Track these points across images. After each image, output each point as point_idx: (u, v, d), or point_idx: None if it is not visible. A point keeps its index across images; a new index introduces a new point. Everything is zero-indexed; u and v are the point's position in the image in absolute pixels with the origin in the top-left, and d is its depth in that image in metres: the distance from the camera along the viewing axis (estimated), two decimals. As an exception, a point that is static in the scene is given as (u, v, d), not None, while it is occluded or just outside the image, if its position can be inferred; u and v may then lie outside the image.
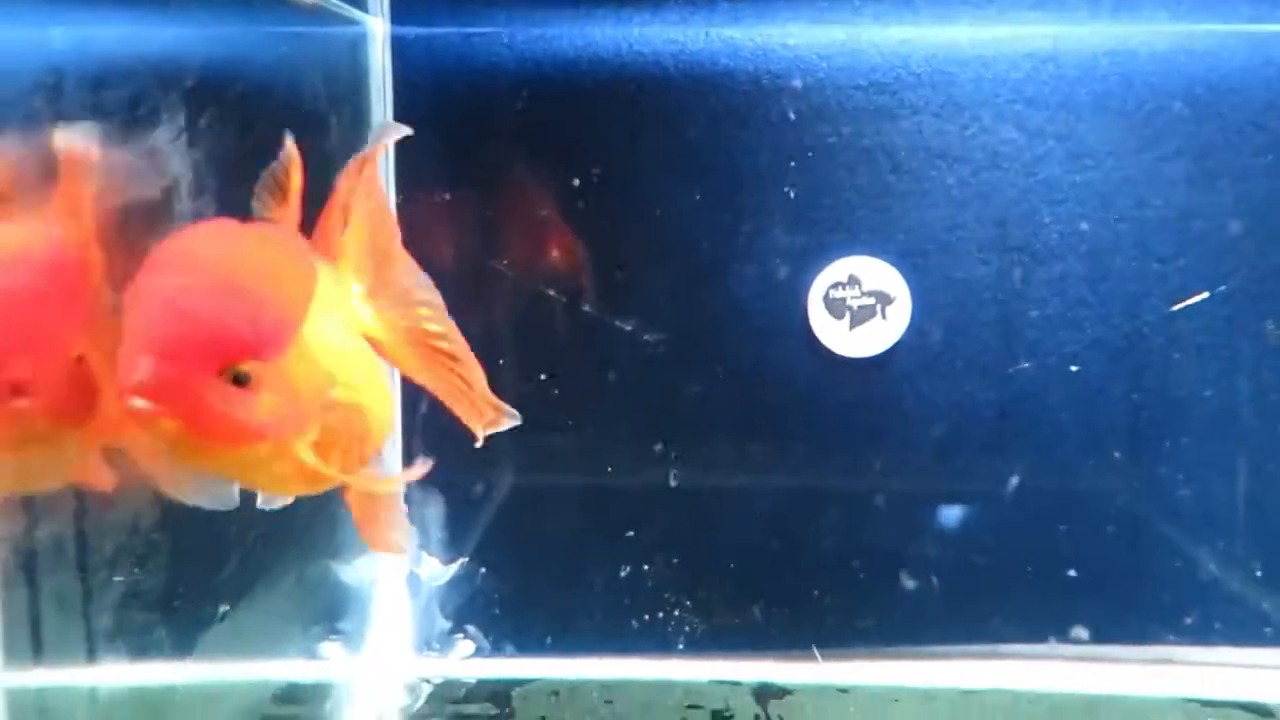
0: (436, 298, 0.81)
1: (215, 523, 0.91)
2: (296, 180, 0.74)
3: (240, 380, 0.63)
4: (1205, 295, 1.27)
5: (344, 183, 0.77)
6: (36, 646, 0.69)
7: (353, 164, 0.77)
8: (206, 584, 0.92)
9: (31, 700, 0.70)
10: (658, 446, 1.31)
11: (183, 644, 0.88)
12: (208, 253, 0.65)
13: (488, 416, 0.81)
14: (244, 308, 0.63)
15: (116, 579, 0.77)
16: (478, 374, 0.82)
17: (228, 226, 0.68)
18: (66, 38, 0.74)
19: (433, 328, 0.80)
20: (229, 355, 0.63)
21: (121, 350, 0.62)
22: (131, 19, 0.84)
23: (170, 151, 0.74)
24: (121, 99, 0.77)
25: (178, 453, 0.65)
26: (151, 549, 0.80)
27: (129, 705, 0.84)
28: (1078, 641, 1.29)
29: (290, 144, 0.73)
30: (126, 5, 0.84)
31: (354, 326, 0.77)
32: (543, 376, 1.29)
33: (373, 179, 0.79)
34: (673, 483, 1.30)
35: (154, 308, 0.62)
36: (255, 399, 0.64)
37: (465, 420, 0.81)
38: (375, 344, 0.80)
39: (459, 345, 0.81)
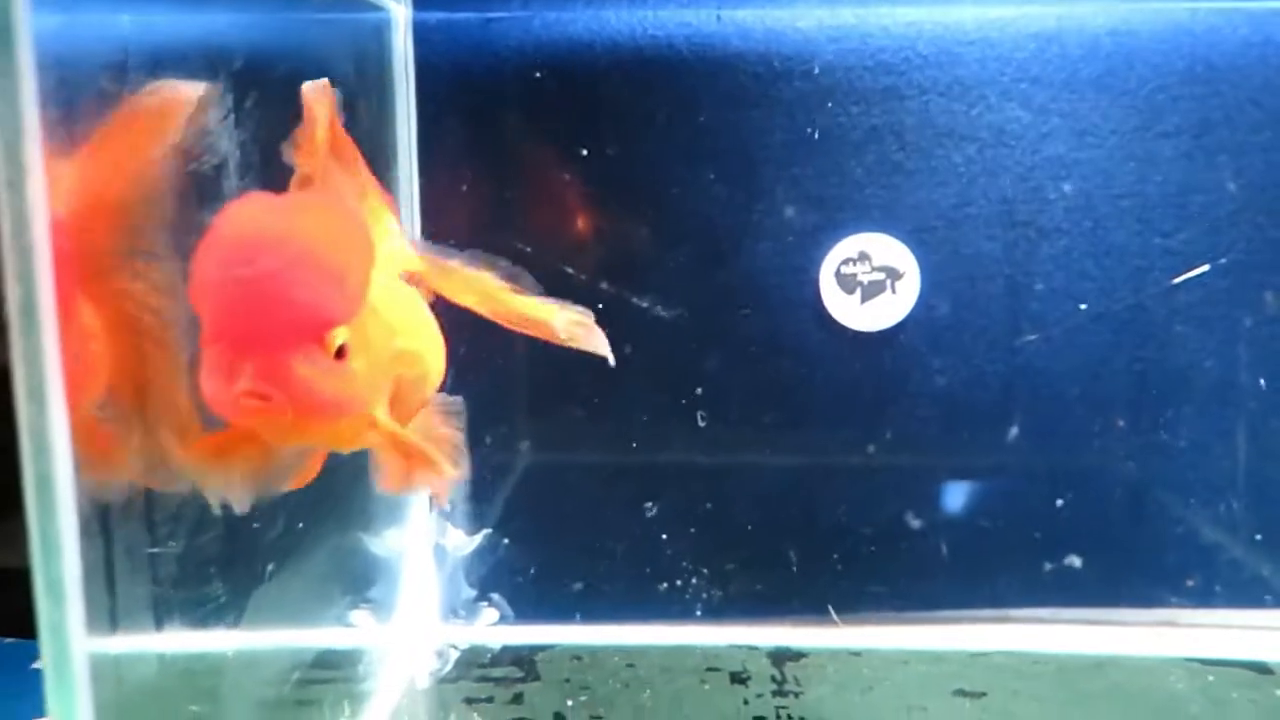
0: None
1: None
2: (321, 132, 0.73)
3: (341, 352, 0.63)
4: (1206, 268, 1.30)
5: (327, 126, 0.76)
6: (113, 614, 0.73)
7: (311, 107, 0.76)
8: (254, 550, 0.96)
9: (110, 667, 0.74)
10: (683, 406, 1.34)
11: (234, 609, 0.92)
12: (267, 231, 0.63)
13: (564, 319, 0.80)
14: (322, 277, 0.62)
15: (178, 545, 0.81)
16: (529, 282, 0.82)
17: (271, 201, 0.67)
18: (133, 24, 0.78)
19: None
20: (324, 327, 0.62)
21: (211, 348, 0.61)
22: (185, 5, 0.88)
23: (221, 132, 0.77)
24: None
25: (282, 437, 0.66)
26: (207, 516, 0.84)
27: (190, 669, 0.88)
28: (1070, 569, 1.33)
29: (307, 94, 0.73)
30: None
31: (397, 268, 0.77)
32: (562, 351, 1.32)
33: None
34: (700, 423, 1.32)
35: (236, 297, 0.61)
36: (352, 367, 0.64)
37: (539, 332, 0.81)
38: (418, 278, 0.80)
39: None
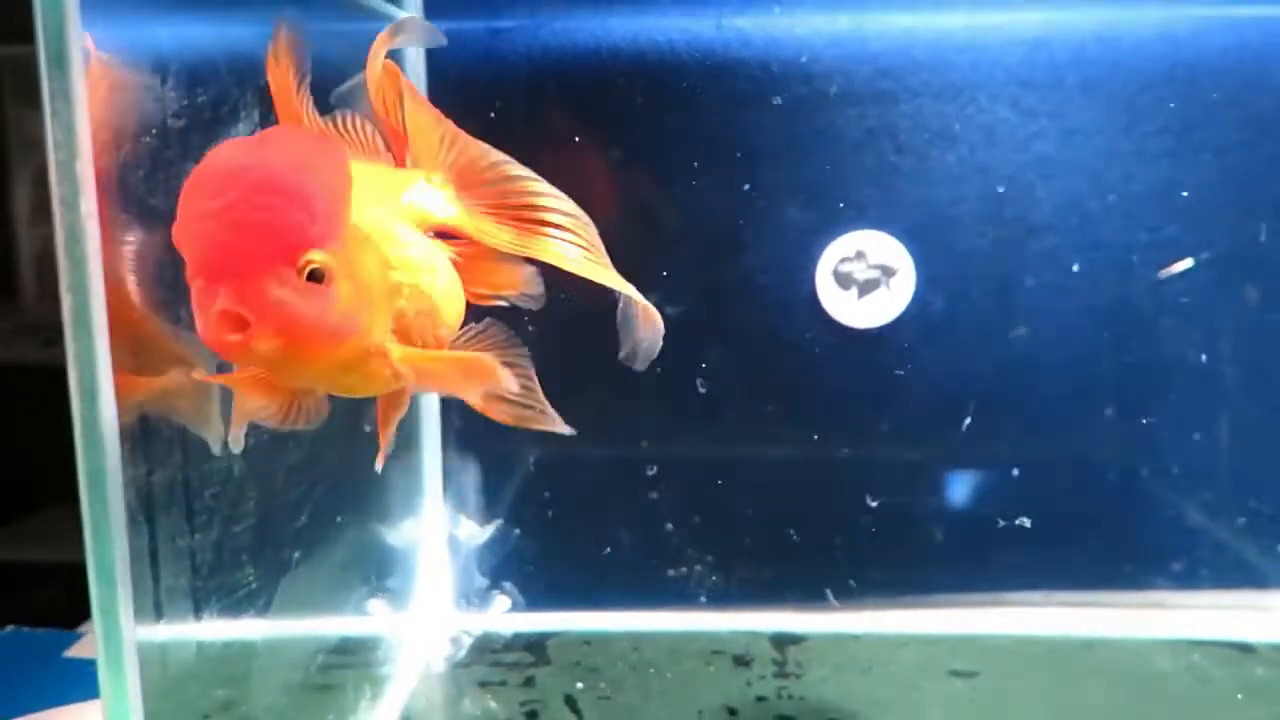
0: (520, 168, 0.77)
1: (288, 486, 1.01)
2: (285, 62, 0.73)
3: (317, 276, 0.63)
4: (1190, 262, 1.35)
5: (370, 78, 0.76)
6: (158, 604, 0.78)
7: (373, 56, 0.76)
8: (284, 533, 1.00)
9: (157, 654, 0.78)
10: (687, 399, 1.38)
11: (263, 596, 0.96)
12: (233, 164, 0.64)
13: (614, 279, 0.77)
14: (292, 201, 0.62)
15: (214, 537, 0.86)
16: (592, 232, 0.78)
17: (241, 140, 0.68)
18: (169, 38, 0.82)
19: (530, 199, 0.76)
20: (297, 250, 0.62)
21: (194, 285, 0.62)
22: (212, 20, 0.92)
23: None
24: (212, 95, 0.85)
25: (278, 371, 0.67)
26: (240, 508, 0.89)
27: (223, 655, 0.92)
28: (1021, 529, 1.37)
29: (278, 29, 0.72)
30: (207, 9, 0.92)
31: (408, 216, 0.75)
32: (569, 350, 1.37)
33: (397, 76, 0.78)
34: (701, 389, 1.36)
35: (207, 230, 0.62)
36: (335, 291, 0.64)
37: (600, 279, 0.77)
38: (457, 230, 0.78)
39: (566, 205, 0.77)
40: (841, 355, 1.38)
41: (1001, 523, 1.38)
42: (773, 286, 1.37)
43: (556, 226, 0.78)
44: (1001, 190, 1.35)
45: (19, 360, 2.02)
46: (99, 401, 0.69)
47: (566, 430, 0.83)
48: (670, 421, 1.40)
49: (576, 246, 0.79)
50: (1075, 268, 1.35)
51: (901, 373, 1.38)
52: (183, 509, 0.82)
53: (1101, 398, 1.38)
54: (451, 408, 1.39)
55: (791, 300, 1.37)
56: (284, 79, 0.75)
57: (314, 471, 1.04)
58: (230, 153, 0.65)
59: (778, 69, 1.34)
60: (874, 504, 1.39)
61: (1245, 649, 1.31)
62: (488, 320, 0.82)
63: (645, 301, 0.83)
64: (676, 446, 1.41)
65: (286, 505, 1.03)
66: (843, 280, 1.35)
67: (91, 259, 0.67)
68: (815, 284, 1.36)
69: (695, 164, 1.35)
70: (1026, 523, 1.37)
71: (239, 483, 0.88)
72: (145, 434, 0.76)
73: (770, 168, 1.35)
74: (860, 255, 1.35)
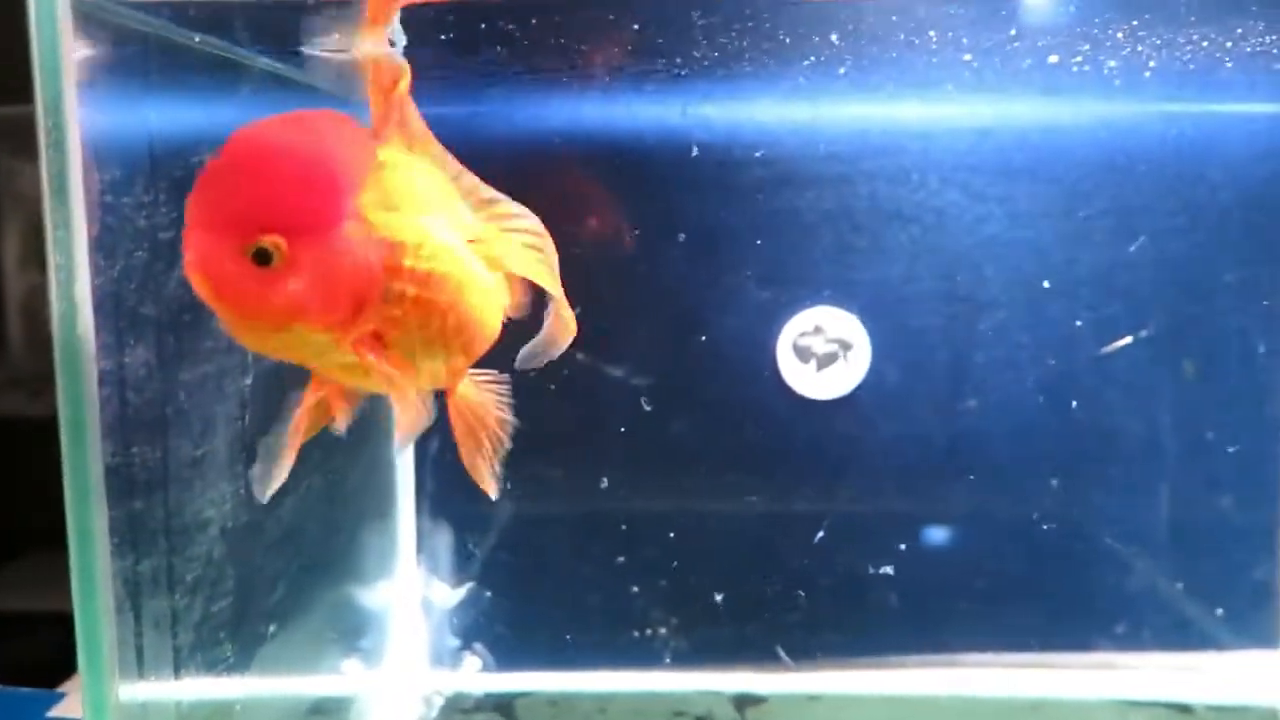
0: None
1: (269, 553, 1.05)
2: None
3: (263, 258, 0.64)
4: (1130, 339, 1.42)
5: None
6: (140, 664, 0.82)
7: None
8: (260, 607, 1.05)
9: (137, 712, 0.82)
10: (654, 467, 1.44)
11: (242, 661, 1.01)
12: (251, 134, 0.66)
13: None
14: (270, 187, 0.64)
15: (198, 603, 0.90)
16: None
17: (280, 116, 0.69)
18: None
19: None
20: (250, 231, 0.64)
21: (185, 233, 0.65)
22: (201, 102, 0.98)
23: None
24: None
25: (232, 332, 0.69)
26: (221, 578, 0.93)
27: (201, 715, 0.96)
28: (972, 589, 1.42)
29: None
30: (194, 91, 0.97)
31: (459, 228, 0.76)
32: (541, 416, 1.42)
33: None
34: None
35: (196, 189, 0.65)
36: (280, 278, 0.65)
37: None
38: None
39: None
40: (801, 424, 1.43)
41: (953, 585, 1.44)
42: (736, 359, 1.43)
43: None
44: (952, 269, 1.41)
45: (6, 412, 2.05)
46: (88, 456, 0.73)
47: (492, 493, 0.86)
48: (637, 487, 1.45)
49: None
50: (1022, 343, 1.42)
51: (858, 441, 1.44)
52: (167, 590, 0.86)
53: (1047, 466, 1.44)
54: (426, 472, 1.44)
55: (754, 372, 1.42)
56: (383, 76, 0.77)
57: (292, 543, 1.09)
58: (258, 125, 0.68)
59: (740, 153, 1.40)
60: (832, 568, 1.44)
61: (1184, 709, 1.37)
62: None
63: (569, 312, 0.86)
64: (643, 511, 1.45)
65: (275, 565, 1.07)
66: (802, 353, 1.41)
67: (85, 341, 0.72)
68: (776, 357, 1.41)
69: (662, 242, 1.41)
70: (890, 570, 1.43)
71: (219, 564, 0.93)
72: (131, 524, 0.80)
73: (733, 246, 1.41)
74: (819, 330, 1.41)
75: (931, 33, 1.14)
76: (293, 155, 0.66)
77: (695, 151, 1.38)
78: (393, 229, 0.70)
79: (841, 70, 1.27)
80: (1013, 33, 1.16)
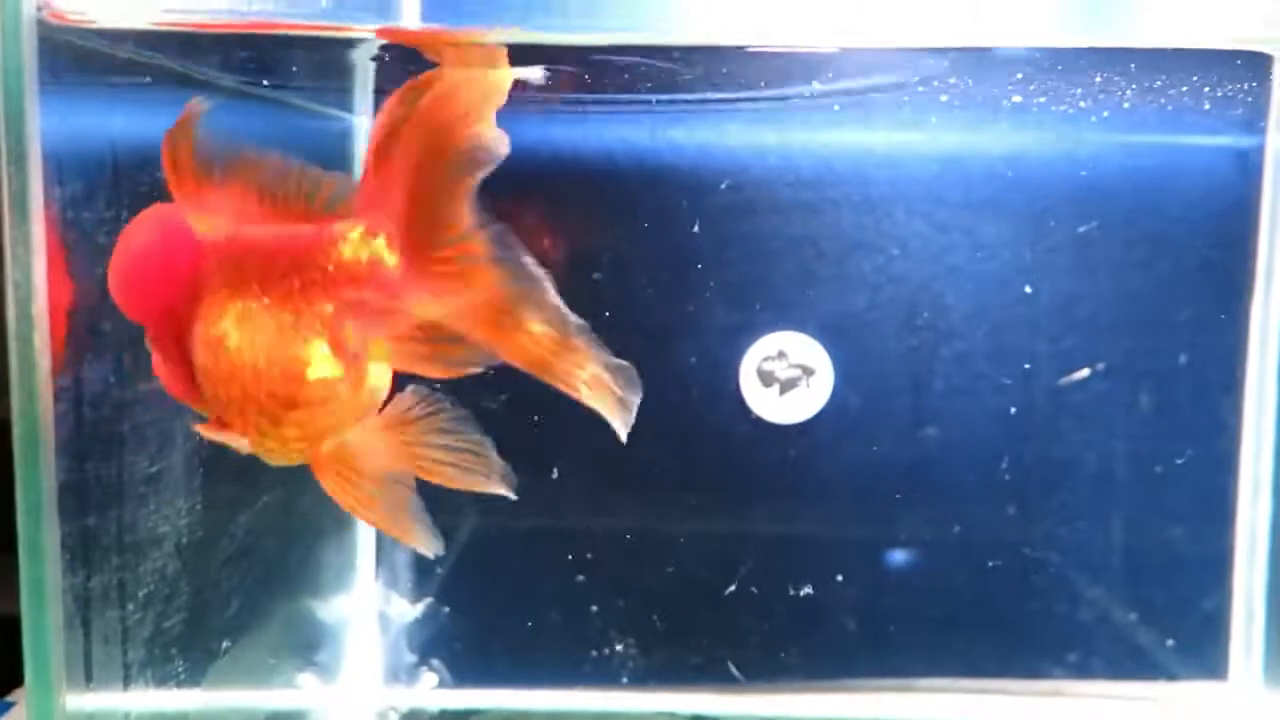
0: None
1: (224, 567, 1.05)
2: (184, 153, 0.76)
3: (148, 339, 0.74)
4: (1087, 371, 1.44)
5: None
6: (89, 676, 0.82)
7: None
8: (215, 621, 1.05)
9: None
10: (615, 489, 1.44)
11: (195, 674, 1.00)
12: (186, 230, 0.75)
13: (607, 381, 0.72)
14: (110, 281, 0.75)
15: (150, 618, 0.90)
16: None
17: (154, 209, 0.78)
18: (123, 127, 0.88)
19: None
20: (159, 321, 0.75)
21: None
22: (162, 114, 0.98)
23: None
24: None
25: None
26: (175, 593, 0.93)
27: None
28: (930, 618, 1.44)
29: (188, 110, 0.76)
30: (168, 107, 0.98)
31: (313, 319, 0.76)
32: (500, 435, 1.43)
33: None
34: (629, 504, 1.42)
35: None
36: (156, 358, 0.76)
37: (595, 403, 0.73)
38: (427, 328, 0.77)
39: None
40: (762, 448, 1.44)
41: (909, 610, 1.45)
42: (699, 382, 1.44)
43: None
44: (914, 298, 1.42)
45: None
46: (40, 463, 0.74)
47: (510, 493, 0.84)
48: (598, 506, 1.46)
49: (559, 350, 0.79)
50: (981, 372, 1.44)
51: (819, 466, 1.45)
52: (118, 604, 0.86)
53: (1004, 494, 1.45)
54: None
55: (717, 395, 1.43)
56: (179, 155, 0.78)
57: (248, 558, 1.09)
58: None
59: (708, 177, 1.42)
60: (791, 591, 1.45)
61: (1133, 738, 1.39)
62: (409, 389, 0.83)
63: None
64: (603, 531, 1.46)
65: (230, 579, 1.07)
66: (765, 378, 1.42)
67: (41, 362, 0.73)
68: (739, 381, 1.42)
69: (628, 264, 1.42)
70: (810, 590, 1.44)
71: (172, 580, 0.93)
72: (85, 540, 0.81)
73: (699, 271, 1.42)
74: (782, 355, 1.42)
75: (901, 71, 1.16)
76: (122, 251, 0.76)
77: (665, 176, 1.40)
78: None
79: (809, 97, 1.29)
80: (978, 70, 1.18)
